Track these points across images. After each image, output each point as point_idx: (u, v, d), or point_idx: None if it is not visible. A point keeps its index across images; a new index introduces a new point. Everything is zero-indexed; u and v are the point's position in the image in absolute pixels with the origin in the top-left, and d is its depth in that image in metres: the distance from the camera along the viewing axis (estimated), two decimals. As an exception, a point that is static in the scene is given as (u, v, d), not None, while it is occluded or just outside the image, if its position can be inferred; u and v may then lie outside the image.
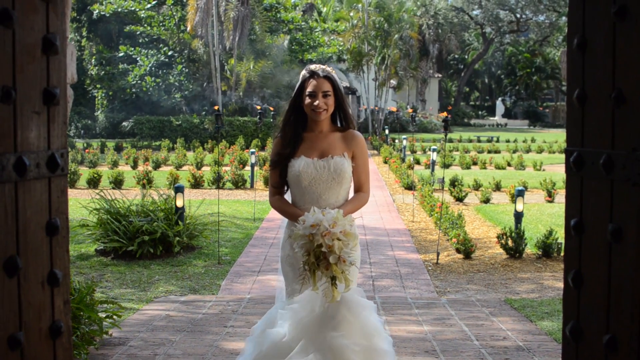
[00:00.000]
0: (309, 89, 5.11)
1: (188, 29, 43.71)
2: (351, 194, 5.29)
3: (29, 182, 2.46)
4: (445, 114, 16.42)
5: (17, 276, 2.40)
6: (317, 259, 4.49)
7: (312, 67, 5.23)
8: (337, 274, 4.51)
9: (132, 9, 46.92)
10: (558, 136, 49.64)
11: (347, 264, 4.51)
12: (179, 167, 29.40)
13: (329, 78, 5.14)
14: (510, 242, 12.51)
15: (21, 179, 2.39)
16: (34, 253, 2.50)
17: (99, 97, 50.39)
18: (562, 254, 12.32)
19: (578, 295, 2.68)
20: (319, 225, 4.49)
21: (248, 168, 27.24)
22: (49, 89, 2.56)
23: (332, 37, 50.81)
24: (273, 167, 5.24)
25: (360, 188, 5.27)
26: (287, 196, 5.32)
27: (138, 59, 46.67)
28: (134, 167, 29.26)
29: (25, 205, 2.45)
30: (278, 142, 5.25)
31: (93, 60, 49.95)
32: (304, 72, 5.25)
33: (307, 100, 5.11)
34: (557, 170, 28.15)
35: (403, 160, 29.88)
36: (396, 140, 40.09)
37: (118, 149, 38.11)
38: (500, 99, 77.83)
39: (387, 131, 42.96)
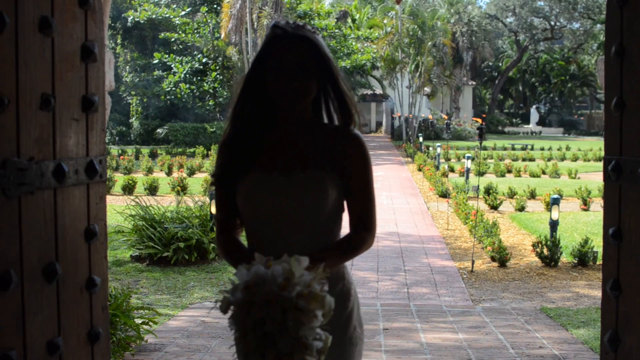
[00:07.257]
0: (273, 60, 3.03)
1: (222, 36, 43.83)
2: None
3: (68, 188, 2.48)
4: (480, 120, 16.33)
5: (56, 282, 2.42)
6: (261, 343, 2.49)
7: (282, 22, 3.11)
8: None
9: (167, 16, 47.21)
10: (593, 144, 49.25)
11: (311, 351, 2.49)
12: (213, 174, 29.41)
13: (306, 39, 3.08)
14: (545, 251, 12.43)
15: (60, 185, 2.42)
16: (72, 259, 2.52)
17: (134, 104, 50.79)
18: (598, 262, 12.25)
19: (617, 304, 2.66)
20: (259, 285, 2.50)
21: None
22: (87, 97, 2.58)
23: (365, 45, 50.68)
24: (216, 186, 3.19)
25: (360, 224, 3.09)
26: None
27: (172, 66, 46.90)
28: (169, 173, 29.38)
29: (64, 212, 2.47)
30: (223, 146, 3.19)
31: (128, 67, 50.37)
32: (267, 31, 3.13)
33: (271, 77, 3.02)
34: (592, 179, 27.91)
35: (437, 167, 29.75)
36: (430, 148, 39.99)
37: (153, 155, 38.27)
38: (534, 106, 77.25)
39: (421, 139, 42.78)
